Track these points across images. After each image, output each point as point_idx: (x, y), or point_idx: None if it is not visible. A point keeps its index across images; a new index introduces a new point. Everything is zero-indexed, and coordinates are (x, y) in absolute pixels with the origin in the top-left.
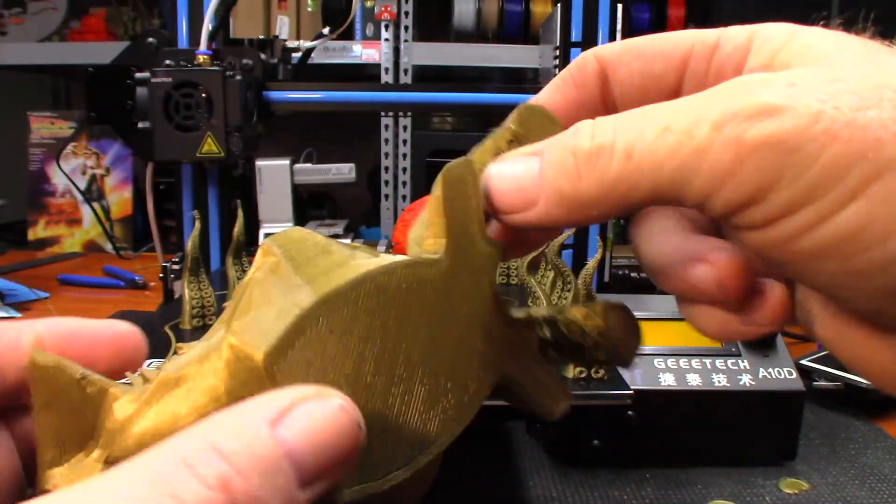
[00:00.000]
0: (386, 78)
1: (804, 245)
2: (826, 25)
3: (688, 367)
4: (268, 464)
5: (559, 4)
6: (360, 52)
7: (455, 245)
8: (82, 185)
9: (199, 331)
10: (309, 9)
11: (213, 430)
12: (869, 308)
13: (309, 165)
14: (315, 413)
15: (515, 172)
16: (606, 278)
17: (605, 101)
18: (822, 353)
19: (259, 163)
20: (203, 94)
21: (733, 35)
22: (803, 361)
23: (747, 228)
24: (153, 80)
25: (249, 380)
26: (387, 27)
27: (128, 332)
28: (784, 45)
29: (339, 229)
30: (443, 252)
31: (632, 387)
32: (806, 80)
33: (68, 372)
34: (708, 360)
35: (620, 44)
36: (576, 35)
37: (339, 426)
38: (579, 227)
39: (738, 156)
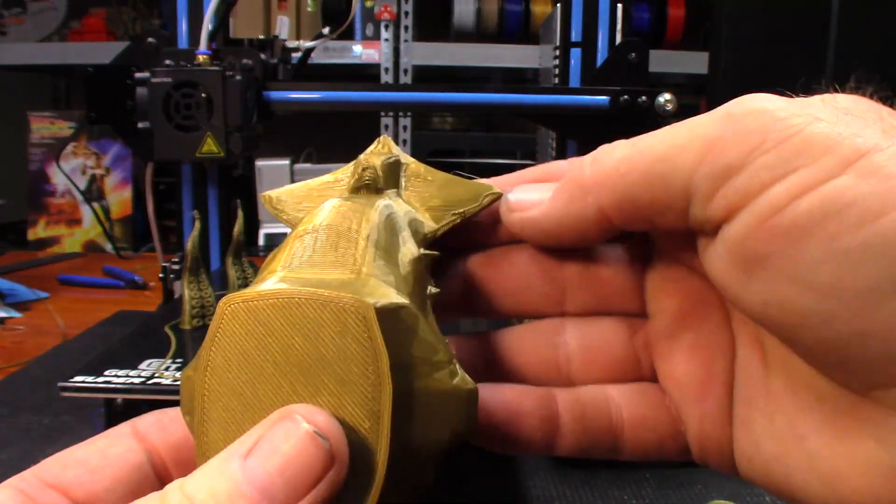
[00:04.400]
0: (386, 78)
1: (788, 220)
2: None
3: None
4: (227, 494)
5: (559, 4)
6: (360, 52)
7: None
8: (82, 185)
9: (199, 331)
10: (309, 9)
11: (191, 475)
12: (854, 330)
13: (309, 165)
14: (277, 436)
15: (535, 186)
16: None
17: None
18: None
19: (259, 163)
20: (203, 94)
21: None
22: None
23: (726, 214)
24: (153, 80)
25: None
26: (387, 27)
27: None
28: None
29: None
30: None
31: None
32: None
33: None
34: None
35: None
36: (576, 35)
37: (302, 445)
38: (576, 233)
39: (726, 124)
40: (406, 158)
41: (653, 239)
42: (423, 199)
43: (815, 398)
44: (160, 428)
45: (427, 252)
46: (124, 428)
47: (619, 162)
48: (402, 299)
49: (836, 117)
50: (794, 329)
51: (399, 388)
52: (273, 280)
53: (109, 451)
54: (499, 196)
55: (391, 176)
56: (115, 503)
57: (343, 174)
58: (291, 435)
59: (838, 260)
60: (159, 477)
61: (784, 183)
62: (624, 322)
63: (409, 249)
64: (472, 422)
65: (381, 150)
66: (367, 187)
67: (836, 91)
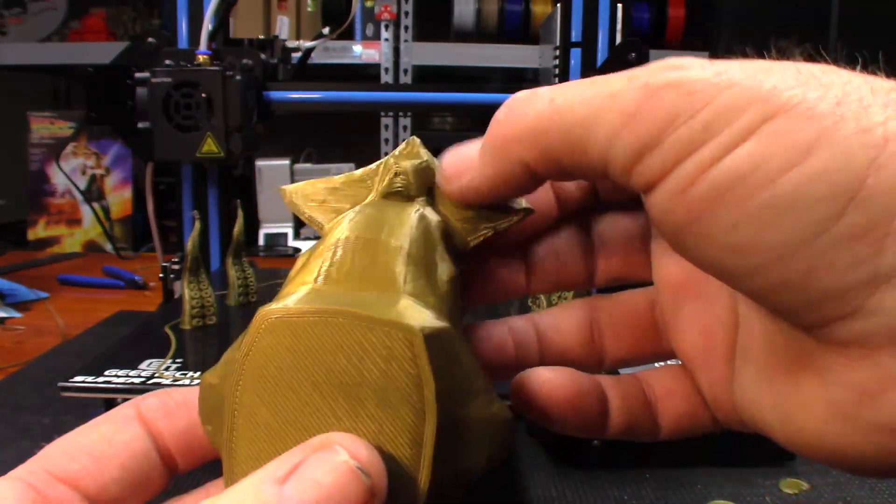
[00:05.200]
0: (386, 78)
1: (702, 190)
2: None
3: None
4: None
5: (559, 4)
6: (360, 52)
7: None
8: (82, 185)
9: (199, 331)
10: (309, 9)
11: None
12: (777, 281)
13: (309, 165)
14: (317, 467)
15: (465, 150)
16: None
17: None
18: None
19: (259, 163)
20: (203, 94)
21: None
22: None
23: (646, 187)
24: (153, 80)
25: None
26: (387, 27)
27: None
28: None
29: None
30: None
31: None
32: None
33: None
34: None
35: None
36: (576, 35)
37: (343, 480)
38: (513, 189)
39: (642, 97)
40: (435, 163)
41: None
42: (453, 208)
43: (783, 340)
44: (165, 413)
45: (462, 269)
46: (128, 410)
47: (537, 118)
48: (445, 323)
49: (753, 78)
50: (728, 281)
51: (441, 416)
52: (308, 294)
53: (115, 439)
54: (531, 212)
55: (422, 182)
56: (123, 493)
57: (367, 175)
58: (332, 467)
59: (749, 221)
60: (165, 464)
61: (696, 156)
62: (646, 294)
63: (447, 267)
64: (506, 448)
65: (410, 153)
66: (399, 194)
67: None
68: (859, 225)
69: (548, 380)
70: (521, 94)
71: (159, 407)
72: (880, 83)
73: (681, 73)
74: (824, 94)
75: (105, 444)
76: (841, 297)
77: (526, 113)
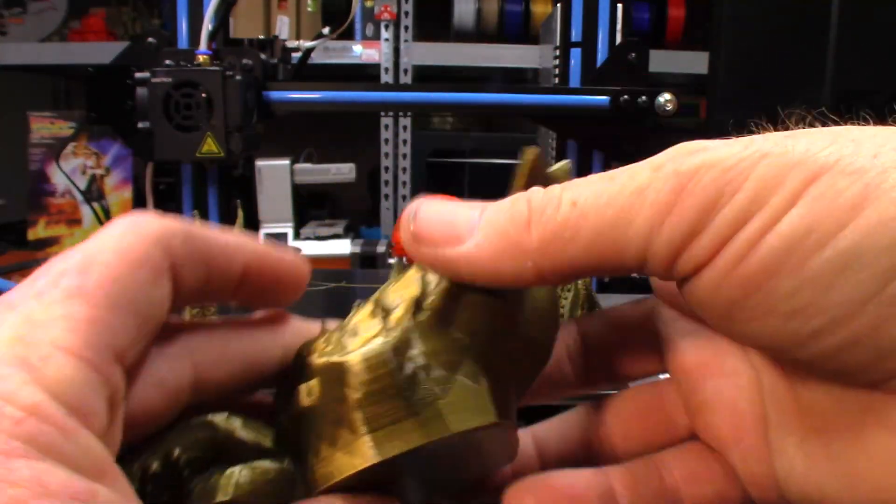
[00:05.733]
0: (386, 78)
1: (756, 262)
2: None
3: None
4: None
5: (559, 4)
6: (360, 52)
7: None
8: (82, 186)
9: None
10: (309, 9)
11: None
12: (842, 341)
13: (309, 165)
14: None
15: (449, 209)
16: (606, 278)
17: None
18: None
19: (259, 163)
20: (203, 94)
21: None
22: None
23: (691, 272)
24: (153, 80)
25: None
26: (387, 27)
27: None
28: None
29: (339, 229)
30: None
31: (631, 386)
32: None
33: None
34: None
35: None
36: (576, 35)
37: None
38: (505, 286)
39: (676, 185)
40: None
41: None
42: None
43: (833, 400)
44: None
45: None
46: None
47: (561, 227)
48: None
49: (781, 146)
50: (789, 351)
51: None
52: None
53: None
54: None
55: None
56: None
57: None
58: None
59: (809, 285)
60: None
61: (744, 232)
62: (653, 386)
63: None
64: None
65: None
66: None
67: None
68: None
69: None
70: (537, 196)
71: (188, 251)
72: None
73: (709, 153)
74: (858, 150)
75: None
76: None
77: (549, 221)
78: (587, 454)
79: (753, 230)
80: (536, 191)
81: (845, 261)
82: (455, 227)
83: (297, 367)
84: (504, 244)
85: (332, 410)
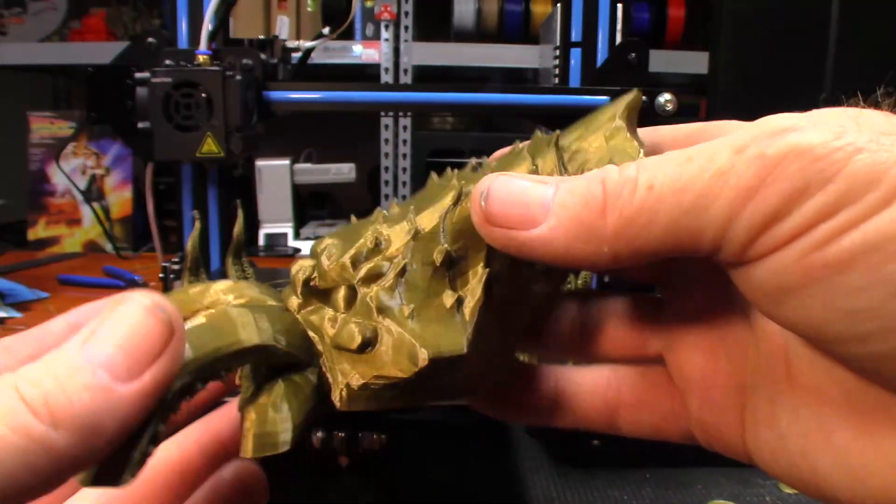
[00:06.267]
0: (386, 78)
1: (833, 253)
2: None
3: None
4: (65, 370)
5: (559, 4)
6: (360, 52)
7: None
8: (82, 185)
9: None
10: (309, 9)
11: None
12: (891, 348)
13: (309, 165)
14: (114, 318)
15: (525, 187)
16: (606, 278)
17: None
18: None
19: (259, 163)
20: (203, 94)
21: None
22: None
23: (764, 256)
24: (153, 80)
25: None
26: (387, 27)
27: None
28: None
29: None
30: None
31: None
32: (825, 116)
33: None
34: None
35: None
36: (576, 35)
37: (139, 320)
38: (580, 269)
39: (762, 170)
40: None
41: None
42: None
43: (843, 395)
44: (4, 350)
45: None
46: None
47: (637, 212)
48: None
49: (876, 143)
50: (831, 344)
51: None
52: None
53: None
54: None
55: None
56: None
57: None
58: (127, 311)
59: (879, 288)
60: None
61: (829, 222)
62: (638, 300)
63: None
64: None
65: None
66: None
67: (843, 103)
68: None
69: None
70: (612, 178)
71: None
72: None
73: (797, 136)
74: None
75: None
76: None
77: (626, 206)
78: (567, 342)
79: (840, 222)
80: (611, 170)
81: None
82: (528, 209)
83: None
84: (579, 229)
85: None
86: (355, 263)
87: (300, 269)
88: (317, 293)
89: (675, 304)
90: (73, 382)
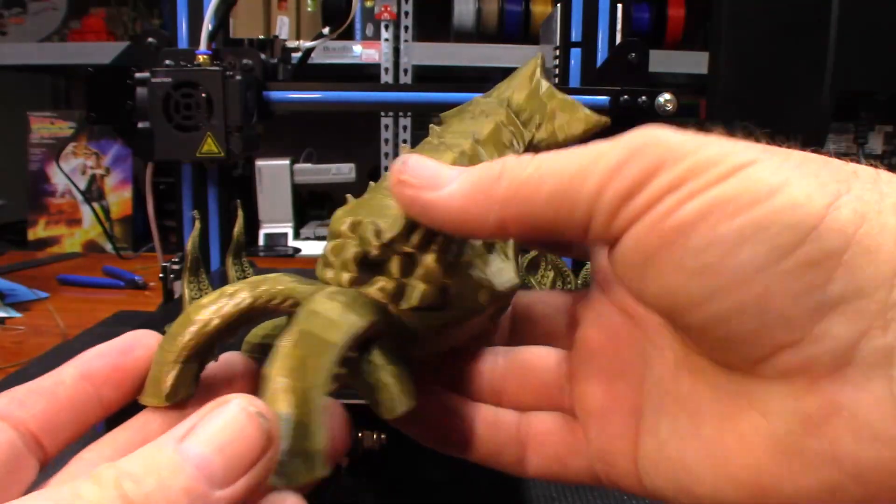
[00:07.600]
0: (386, 78)
1: (680, 217)
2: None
3: None
4: (165, 469)
5: (559, 4)
6: (360, 52)
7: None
8: (82, 185)
9: None
10: (309, 9)
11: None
12: (732, 305)
13: (309, 165)
14: (215, 420)
15: (436, 164)
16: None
17: None
18: None
19: (259, 163)
20: (203, 94)
21: None
22: None
23: (623, 230)
24: (153, 80)
25: None
26: (387, 27)
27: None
28: None
29: None
30: None
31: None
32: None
33: None
34: None
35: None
36: (576, 35)
37: (240, 426)
38: (470, 235)
39: (626, 152)
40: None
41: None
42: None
43: (710, 388)
44: (19, 405)
45: None
46: None
47: (524, 183)
48: None
49: (722, 142)
50: (684, 311)
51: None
52: None
53: None
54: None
55: None
56: None
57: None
58: (228, 415)
59: (717, 245)
60: (32, 451)
61: (676, 193)
62: (555, 352)
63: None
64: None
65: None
66: None
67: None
68: (815, 254)
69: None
70: (511, 160)
71: (9, 402)
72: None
73: (660, 134)
74: (787, 156)
75: None
76: (790, 323)
77: (517, 176)
78: (487, 392)
79: (685, 193)
80: (511, 157)
81: (751, 231)
82: (437, 176)
83: None
84: (474, 192)
85: None
86: (408, 234)
87: (340, 246)
88: (370, 266)
89: (579, 345)
90: (173, 485)
